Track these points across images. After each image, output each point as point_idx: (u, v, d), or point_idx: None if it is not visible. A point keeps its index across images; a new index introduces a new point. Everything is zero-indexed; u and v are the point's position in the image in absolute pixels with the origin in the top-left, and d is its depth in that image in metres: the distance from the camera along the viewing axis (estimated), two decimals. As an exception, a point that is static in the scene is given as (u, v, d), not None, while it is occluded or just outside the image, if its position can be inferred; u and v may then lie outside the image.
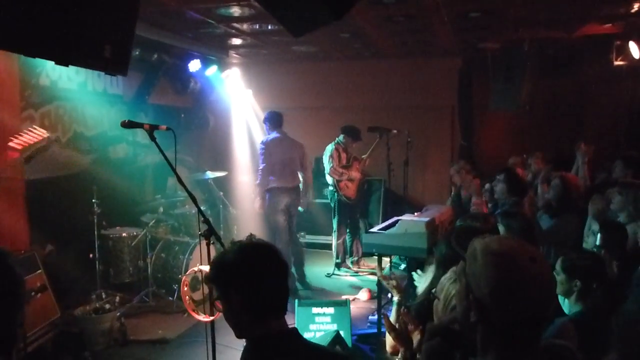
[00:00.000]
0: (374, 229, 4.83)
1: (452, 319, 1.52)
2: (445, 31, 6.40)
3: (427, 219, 4.47)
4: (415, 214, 5.51)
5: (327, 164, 7.00)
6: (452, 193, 6.58)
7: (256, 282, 1.68)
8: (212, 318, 3.09)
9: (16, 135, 4.65)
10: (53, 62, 2.66)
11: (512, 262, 1.28)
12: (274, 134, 6.42)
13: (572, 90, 7.88)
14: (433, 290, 2.09)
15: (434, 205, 6.09)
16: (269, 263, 1.72)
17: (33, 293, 4.34)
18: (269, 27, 6.20)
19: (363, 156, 7.21)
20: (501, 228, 3.21)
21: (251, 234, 2.73)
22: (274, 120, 6.47)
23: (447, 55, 8.06)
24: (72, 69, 5.69)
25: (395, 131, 7.06)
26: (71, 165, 5.88)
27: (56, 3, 2.47)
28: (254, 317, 1.68)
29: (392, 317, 2.91)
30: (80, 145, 6.09)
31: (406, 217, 5.13)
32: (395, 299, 3.02)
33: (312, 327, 4.41)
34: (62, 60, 2.58)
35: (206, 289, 5.36)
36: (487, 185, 5.65)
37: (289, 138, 6.50)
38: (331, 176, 7.00)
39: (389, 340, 2.85)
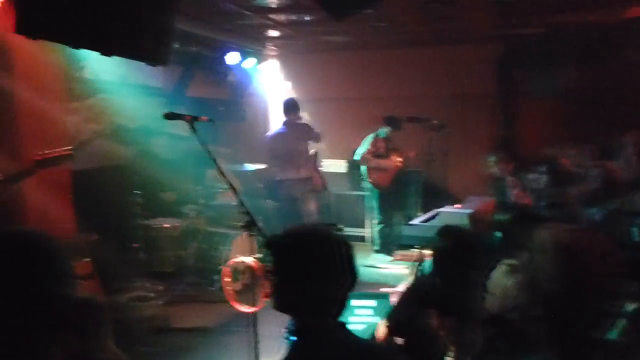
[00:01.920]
0: (415, 221, 4.76)
1: (508, 309, 1.47)
2: (484, 16, 6.22)
3: (469, 211, 4.39)
4: (456, 205, 5.42)
5: (358, 151, 7.02)
6: (493, 184, 6.44)
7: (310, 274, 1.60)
8: (254, 309, 3.10)
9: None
10: (96, 55, 2.72)
11: (584, 258, 1.23)
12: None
13: (616, 75, 7.55)
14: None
15: (475, 197, 5.98)
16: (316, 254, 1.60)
17: (80, 280, 4.47)
18: (305, 18, 6.17)
19: (411, 153, 7.14)
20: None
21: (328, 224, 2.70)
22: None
23: (486, 42, 7.84)
24: (113, 63, 5.76)
25: (435, 121, 6.96)
26: (114, 157, 6.01)
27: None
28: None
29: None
30: (123, 137, 6.20)
31: (447, 209, 5.06)
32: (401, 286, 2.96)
33: (352, 319, 4.38)
34: (105, 50, 2.64)
35: (247, 280, 5.45)
36: (530, 176, 5.50)
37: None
38: (358, 163, 7.09)
39: (381, 327, 2.83)
